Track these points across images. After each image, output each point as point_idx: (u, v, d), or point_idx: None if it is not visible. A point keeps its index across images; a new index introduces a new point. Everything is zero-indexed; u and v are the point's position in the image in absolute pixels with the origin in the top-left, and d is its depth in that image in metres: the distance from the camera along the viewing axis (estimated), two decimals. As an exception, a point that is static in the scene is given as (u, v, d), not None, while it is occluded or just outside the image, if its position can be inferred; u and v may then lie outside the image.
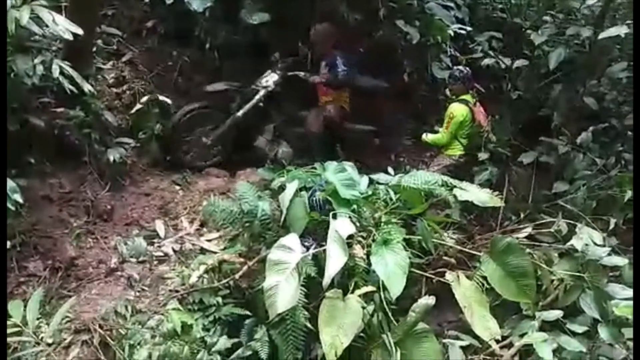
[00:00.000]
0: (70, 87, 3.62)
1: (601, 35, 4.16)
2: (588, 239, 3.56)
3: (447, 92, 5.19)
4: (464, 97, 4.93)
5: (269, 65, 5.10)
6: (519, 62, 5.19)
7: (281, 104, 5.21)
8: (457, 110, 4.84)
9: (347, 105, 5.21)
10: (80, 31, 3.29)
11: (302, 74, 5.02)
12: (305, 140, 5.16)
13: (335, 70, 4.92)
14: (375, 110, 5.40)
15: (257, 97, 4.94)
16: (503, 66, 5.42)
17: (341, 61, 4.91)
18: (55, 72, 3.42)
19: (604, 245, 3.57)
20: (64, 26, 3.22)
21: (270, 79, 5.01)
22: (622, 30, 4.10)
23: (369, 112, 5.34)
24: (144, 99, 4.65)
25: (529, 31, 5.22)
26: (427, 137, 5.08)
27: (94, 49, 4.64)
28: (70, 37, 3.24)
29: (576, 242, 3.56)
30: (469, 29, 5.72)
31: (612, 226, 4.02)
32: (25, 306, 2.72)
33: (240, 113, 4.92)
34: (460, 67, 5.10)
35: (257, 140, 5.14)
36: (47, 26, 3.22)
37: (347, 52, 5.06)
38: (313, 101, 5.27)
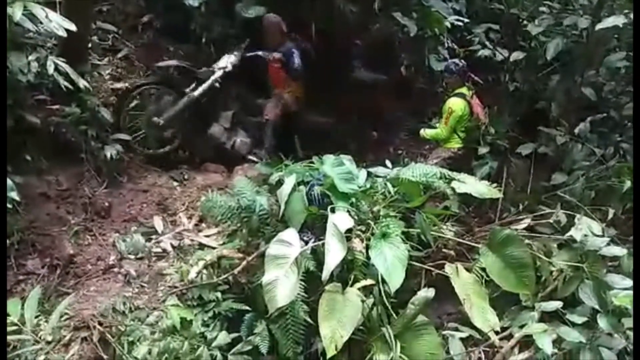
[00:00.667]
0: (66, 83, 3.61)
1: (599, 26, 4.13)
2: (587, 230, 3.56)
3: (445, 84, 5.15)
4: (460, 90, 4.90)
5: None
6: (516, 54, 5.15)
7: (238, 90, 5.06)
8: (456, 105, 4.81)
9: (301, 96, 5.14)
10: (74, 27, 3.27)
11: (261, 52, 4.89)
12: (264, 132, 5.04)
13: (292, 64, 4.85)
14: (372, 104, 5.38)
15: (213, 77, 4.75)
16: (500, 58, 5.38)
17: (297, 55, 4.85)
18: (50, 69, 3.42)
19: (602, 236, 3.57)
20: (57, 22, 3.20)
21: (227, 59, 4.85)
22: (619, 20, 4.06)
23: (366, 106, 5.33)
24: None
25: (526, 22, 5.18)
26: (426, 132, 5.04)
27: (90, 45, 4.62)
28: (64, 34, 3.22)
29: (575, 233, 3.55)
30: (466, 20, 5.70)
31: (610, 216, 4.01)
32: (23, 304, 2.72)
33: (196, 93, 4.70)
34: (456, 60, 5.05)
35: (212, 128, 4.95)
36: (41, 23, 3.20)
37: (299, 41, 5.00)
38: (271, 88, 5.18)
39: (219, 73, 4.77)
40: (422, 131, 5.07)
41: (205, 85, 4.72)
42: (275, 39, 4.96)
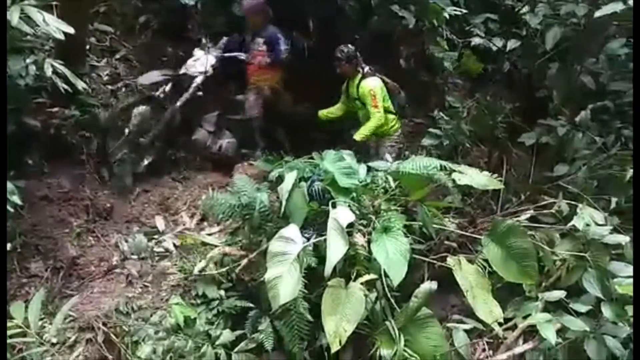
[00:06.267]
0: (64, 86, 3.60)
1: (597, 13, 4.09)
2: (589, 219, 3.55)
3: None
4: (357, 76, 4.68)
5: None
6: (512, 43, 5.10)
7: (218, 90, 4.81)
8: (373, 85, 4.59)
9: (281, 85, 4.95)
10: (71, 30, 3.26)
11: (242, 55, 4.71)
12: (249, 128, 4.89)
13: (278, 49, 4.68)
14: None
15: (194, 84, 4.52)
16: (495, 49, 5.33)
17: (282, 39, 4.69)
18: (48, 72, 3.41)
19: (605, 225, 3.56)
20: (54, 25, 3.19)
21: (207, 62, 4.58)
22: (618, 6, 4.02)
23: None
24: None
25: (524, 10, 5.14)
26: (361, 132, 4.62)
27: (87, 46, 4.62)
28: (62, 37, 3.21)
29: (577, 222, 3.54)
30: (464, 11, 5.66)
31: (613, 205, 3.99)
32: (27, 307, 2.73)
33: (178, 104, 4.46)
34: (342, 47, 4.64)
35: (196, 133, 4.74)
36: (38, 26, 3.19)
37: (282, 27, 4.81)
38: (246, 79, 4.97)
39: (199, 79, 4.55)
40: (356, 136, 4.62)
41: (187, 95, 4.50)
42: (258, 23, 4.76)
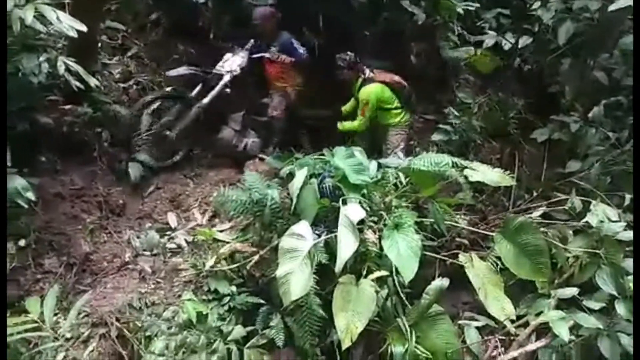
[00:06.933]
0: (77, 83, 3.62)
1: (611, 7, 4.05)
2: (603, 215, 3.52)
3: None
4: (358, 82, 4.87)
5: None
6: (524, 39, 5.07)
7: (245, 90, 4.88)
8: (369, 94, 4.74)
9: (300, 88, 5.08)
10: (84, 28, 3.27)
11: (269, 54, 4.80)
12: (272, 129, 4.98)
13: (297, 54, 4.79)
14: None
15: (222, 82, 4.59)
16: (507, 46, 5.29)
17: (298, 44, 4.80)
18: (61, 69, 3.42)
19: (619, 221, 3.53)
20: (67, 23, 3.21)
21: (234, 62, 4.68)
22: (631, 0, 3.99)
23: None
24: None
25: (536, 5, 5.10)
26: (343, 125, 4.93)
27: (99, 44, 4.65)
28: (75, 34, 3.23)
29: (591, 219, 3.52)
30: (476, 5, 5.62)
31: (627, 202, 3.95)
32: (42, 303, 2.76)
33: (206, 101, 4.53)
34: (341, 55, 4.85)
35: (222, 132, 4.82)
36: (51, 24, 3.21)
37: (292, 26, 4.88)
38: (269, 84, 5.08)
39: (227, 77, 4.62)
40: (340, 126, 4.94)
41: (214, 92, 4.57)
42: (270, 31, 4.84)
